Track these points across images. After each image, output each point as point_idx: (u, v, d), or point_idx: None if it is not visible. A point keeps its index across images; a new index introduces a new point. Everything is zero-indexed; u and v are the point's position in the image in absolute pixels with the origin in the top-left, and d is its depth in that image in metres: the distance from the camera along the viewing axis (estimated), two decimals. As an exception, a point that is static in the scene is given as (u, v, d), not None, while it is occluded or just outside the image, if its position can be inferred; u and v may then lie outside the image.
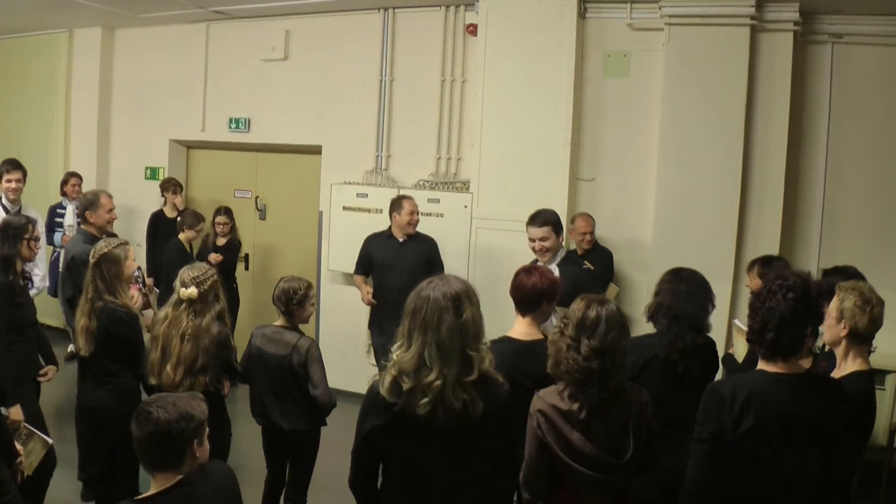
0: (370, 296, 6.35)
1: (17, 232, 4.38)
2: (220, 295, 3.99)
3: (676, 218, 5.99)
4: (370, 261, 6.38)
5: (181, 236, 7.13)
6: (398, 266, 6.08)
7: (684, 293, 3.64)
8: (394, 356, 2.61)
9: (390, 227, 6.26)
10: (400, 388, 2.55)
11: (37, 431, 4.15)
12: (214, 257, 7.04)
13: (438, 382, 2.51)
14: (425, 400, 2.52)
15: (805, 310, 2.64)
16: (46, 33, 8.89)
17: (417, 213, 6.19)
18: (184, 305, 3.86)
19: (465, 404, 2.54)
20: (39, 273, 5.95)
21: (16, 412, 4.12)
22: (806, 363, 3.98)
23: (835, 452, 2.65)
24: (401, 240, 6.20)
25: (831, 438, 2.63)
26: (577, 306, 2.85)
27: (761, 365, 2.70)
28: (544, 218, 4.83)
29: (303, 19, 7.49)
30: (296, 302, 4.28)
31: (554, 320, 4.44)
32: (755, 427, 2.55)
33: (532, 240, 4.84)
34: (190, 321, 3.84)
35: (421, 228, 6.37)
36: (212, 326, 3.90)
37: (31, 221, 4.57)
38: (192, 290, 3.84)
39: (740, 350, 4.54)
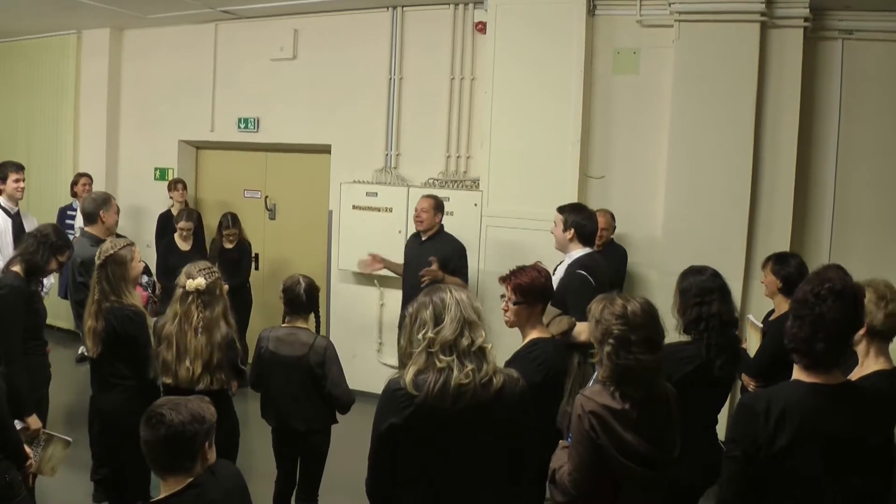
0: (372, 264, 6.44)
1: (56, 247, 4.42)
2: (224, 294, 3.99)
3: (687, 215, 5.98)
4: (406, 258, 6.39)
5: (176, 235, 7.20)
6: (414, 263, 6.09)
7: (719, 288, 3.56)
8: (425, 338, 2.60)
9: None
10: (423, 380, 2.55)
11: (55, 434, 4.17)
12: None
13: (480, 341, 2.60)
14: (470, 367, 2.56)
15: (855, 317, 2.47)
16: (55, 35, 8.91)
17: (423, 211, 6.11)
18: (191, 298, 3.84)
19: (491, 377, 2.59)
20: (46, 273, 5.96)
21: (33, 421, 4.14)
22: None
23: (877, 467, 2.47)
24: (423, 238, 6.19)
25: (872, 452, 2.45)
26: (617, 304, 2.83)
27: (798, 375, 2.50)
28: (562, 208, 4.73)
29: (311, 18, 7.50)
30: (317, 298, 4.32)
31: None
32: (792, 443, 2.37)
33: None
34: (201, 313, 3.83)
35: (430, 227, 6.40)
36: (220, 322, 3.90)
37: (71, 246, 4.63)
38: (201, 281, 3.82)
39: (753, 346, 4.54)
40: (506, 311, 3.56)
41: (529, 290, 3.52)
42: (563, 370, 3.44)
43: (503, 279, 3.60)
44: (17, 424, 3.96)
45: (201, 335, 3.82)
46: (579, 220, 4.62)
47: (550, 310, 4.49)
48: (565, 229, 4.61)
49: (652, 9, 6.14)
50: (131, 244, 4.20)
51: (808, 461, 2.38)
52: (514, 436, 2.70)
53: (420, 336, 2.61)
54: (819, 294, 2.43)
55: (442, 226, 6.21)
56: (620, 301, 2.84)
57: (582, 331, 4.01)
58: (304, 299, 4.28)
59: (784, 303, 4.32)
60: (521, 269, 3.59)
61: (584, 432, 2.74)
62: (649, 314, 2.82)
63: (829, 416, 2.40)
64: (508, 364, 3.20)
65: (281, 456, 4.47)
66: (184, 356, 3.81)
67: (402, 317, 2.78)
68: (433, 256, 5.91)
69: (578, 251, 4.59)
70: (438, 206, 6.18)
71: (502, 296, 3.58)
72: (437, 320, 2.60)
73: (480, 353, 2.59)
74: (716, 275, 3.62)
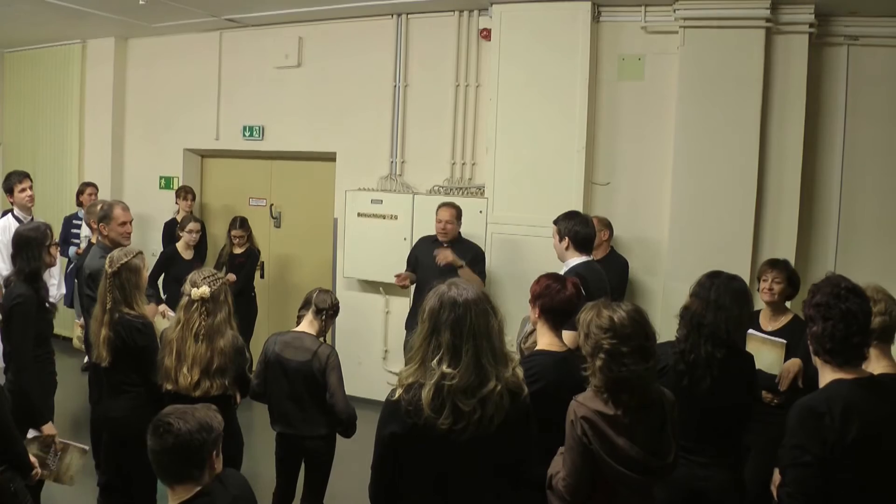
0: (405, 280, 6.37)
1: (38, 243, 4.41)
2: (229, 299, 3.99)
3: (692, 222, 5.97)
4: (416, 261, 6.38)
5: (179, 243, 7.17)
6: (433, 267, 6.06)
7: (713, 301, 3.39)
8: (437, 370, 2.49)
9: None
10: (443, 404, 2.47)
11: (72, 442, 4.20)
12: (230, 278, 6.75)
13: (499, 388, 2.49)
14: (479, 415, 2.47)
15: (870, 311, 2.65)
16: (60, 45, 8.95)
17: (448, 223, 6.14)
18: (195, 306, 3.85)
19: (495, 412, 2.50)
20: (55, 281, 5.96)
21: (48, 428, 4.16)
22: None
23: None
24: (444, 244, 6.18)
25: None
26: (604, 315, 2.80)
27: (834, 374, 2.61)
28: (556, 219, 4.66)
29: (316, 26, 7.52)
30: (332, 312, 4.32)
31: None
32: (862, 436, 2.48)
33: None
34: (203, 321, 3.83)
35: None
36: (225, 328, 3.90)
37: (48, 226, 4.60)
38: (205, 289, 3.83)
39: (758, 357, 4.43)
40: None
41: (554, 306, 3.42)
42: (547, 383, 3.30)
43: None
44: (32, 433, 3.99)
45: (202, 342, 3.83)
46: (571, 226, 4.53)
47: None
48: (561, 239, 4.55)
49: (657, 15, 6.14)
50: (140, 253, 4.22)
51: (877, 450, 2.51)
52: (517, 446, 2.66)
53: (433, 363, 2.52)
54: (839, 294, 2.60)
55: (459, 232, 6.25)
56: (606, 312, 2.80)
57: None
58: (308, 296, 4.38)
59: (785, 312, 4.45)
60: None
61: (577, 437, 2.75)
62: (638, 322, 2.78)
63: (880, 405, 2.56)
64: None
65: (283, 465, 4.44)
66: (183, 362, 3.82)
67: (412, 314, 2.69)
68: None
69: (575, 259, 4.49)
70: (459, 214, 6.23)
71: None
72: (454, 351, 2.50)
73: (501, 393, 2.52)
74: (722, 287, 3.48)
